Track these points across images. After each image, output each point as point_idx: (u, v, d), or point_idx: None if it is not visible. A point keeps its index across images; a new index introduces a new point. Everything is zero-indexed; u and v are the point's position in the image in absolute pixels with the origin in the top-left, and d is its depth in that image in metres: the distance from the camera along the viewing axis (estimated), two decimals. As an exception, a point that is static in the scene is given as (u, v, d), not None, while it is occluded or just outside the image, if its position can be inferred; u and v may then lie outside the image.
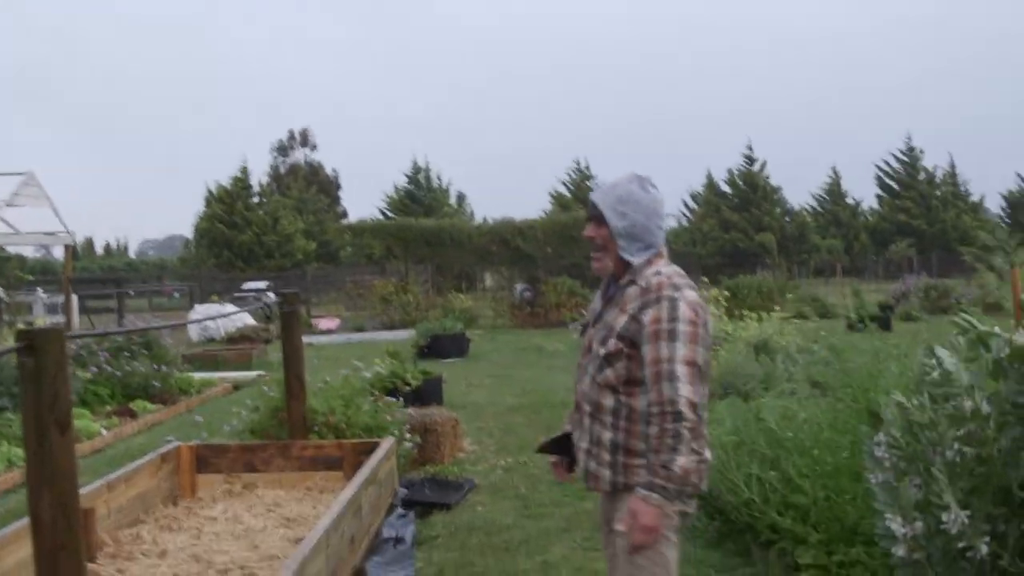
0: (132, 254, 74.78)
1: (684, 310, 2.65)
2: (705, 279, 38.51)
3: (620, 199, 2.79)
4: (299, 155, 69.16)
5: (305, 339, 20.17)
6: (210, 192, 47.57)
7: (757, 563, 4.21)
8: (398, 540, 4.66)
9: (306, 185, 60.82)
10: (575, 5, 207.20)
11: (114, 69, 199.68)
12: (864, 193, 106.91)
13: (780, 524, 3.83)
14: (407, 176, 53.16)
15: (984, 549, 2.42)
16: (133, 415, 9.72)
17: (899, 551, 2.59)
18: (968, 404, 2.52)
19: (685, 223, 55.06)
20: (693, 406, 2.55)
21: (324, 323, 22.89)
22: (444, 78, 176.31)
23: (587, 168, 53.80)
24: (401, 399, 8.72)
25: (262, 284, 33.07)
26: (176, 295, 29.50)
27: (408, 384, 9.31)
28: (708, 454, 2.66)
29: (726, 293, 12.68)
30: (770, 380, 8.47)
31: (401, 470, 6.44)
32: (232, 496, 5.88)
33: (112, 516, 5.03)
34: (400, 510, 5.51)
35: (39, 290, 24.52)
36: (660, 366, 2.60)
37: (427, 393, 9.59)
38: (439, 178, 54.01)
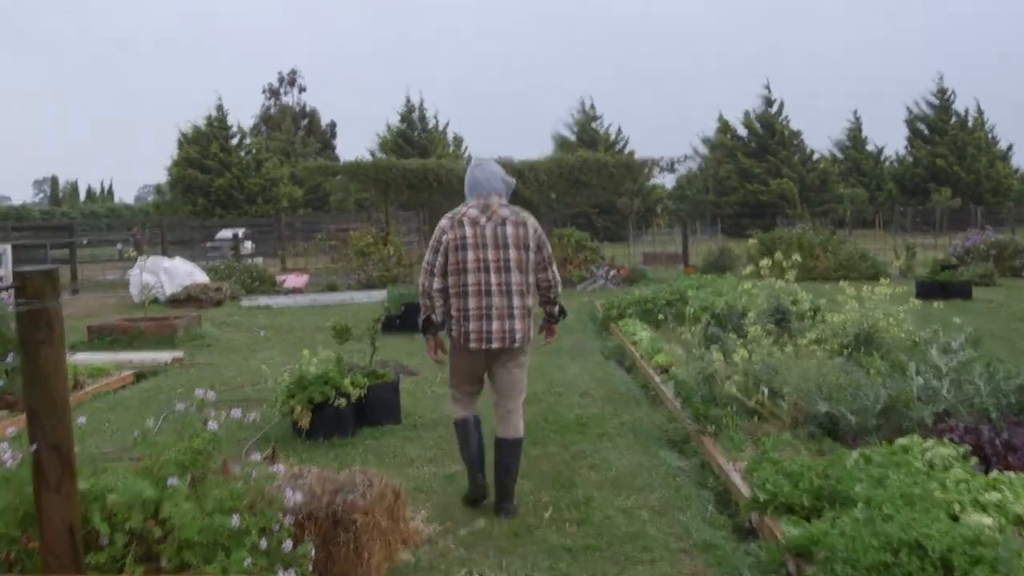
0: (131, 199, 70.86)
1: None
2: (721, 231, 35.34)
3: None
4: (291, 99, 65.43)
5: (264, 300, 17.05)
6: (183, 135, 44.02)
7: None
8: None
9: (295, 129, 57.18)
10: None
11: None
12: (885, 140, 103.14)
13: None
14: (400, 115, 49.45)
15: None
16: (-50, 432, 6.62)
17: None
18: None
19: (695, 169, 51.42)
20: (420, 285, 4.74)
21: (291, 280, 19.65)
22: (442, 18, 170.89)
23: (592, 108, 49.78)
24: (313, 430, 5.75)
25: (229, 234, 29.86)
26: (119, 245, 26.05)
27: (345, 396, 6.23)
28: (432, 316, 4.76)
29: (755, 246, 9.49)
30: (901, 413, 5.33)
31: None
32: None
33: None
34: None
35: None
36: None
37: (376, 406, 6.53)
38: (435, 118, 50.30)
